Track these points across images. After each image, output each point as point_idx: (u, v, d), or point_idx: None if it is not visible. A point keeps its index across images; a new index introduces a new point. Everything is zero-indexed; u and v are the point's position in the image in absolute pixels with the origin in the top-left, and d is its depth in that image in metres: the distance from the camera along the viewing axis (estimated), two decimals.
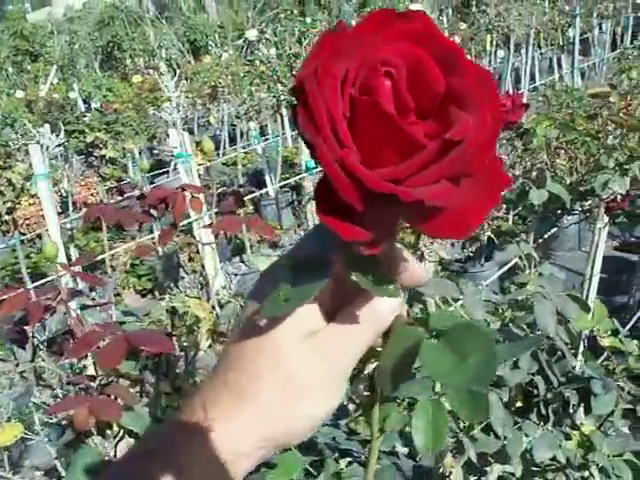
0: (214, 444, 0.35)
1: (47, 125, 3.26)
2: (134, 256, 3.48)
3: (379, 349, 0.38)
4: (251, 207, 4.22)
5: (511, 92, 1.37)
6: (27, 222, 4.07)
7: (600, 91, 1.49)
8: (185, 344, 1.16)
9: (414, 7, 4.95)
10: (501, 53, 6.89)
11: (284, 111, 4.86)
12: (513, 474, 1.13)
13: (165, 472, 0.34)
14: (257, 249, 3.75)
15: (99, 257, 2.07)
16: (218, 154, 5.43)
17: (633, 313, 2.24)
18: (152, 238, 3.22)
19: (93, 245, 4.11)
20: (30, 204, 3.91)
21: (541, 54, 7.63)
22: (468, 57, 0.33)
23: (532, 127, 1.34)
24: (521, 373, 1.08)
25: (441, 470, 1.08)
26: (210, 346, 1.14)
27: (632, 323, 1.99)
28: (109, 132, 5.28)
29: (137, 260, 3.72)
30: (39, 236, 3.98)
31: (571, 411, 1.24)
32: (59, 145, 3.10)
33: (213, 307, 1.23)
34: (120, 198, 4.27)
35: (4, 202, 3.32)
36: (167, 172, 5.26)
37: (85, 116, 5.70)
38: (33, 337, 1.04)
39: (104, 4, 13.68)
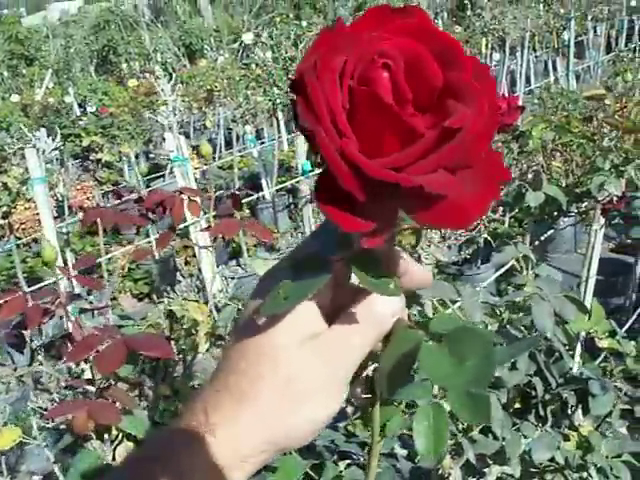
0: (215, 449, 0.34)
1: (43, 129, 3.25)
2: (131, 260, 3.48)
3: (379, 352, 0.38)
4: (247, 211, 4.22)
5: (507, 95, 1.37)
6: (23, 226, 4.06)
7: (595, 93, 1.50)
8: (183, 347, 1.15)
9: None
10: (496, 56, 6.89)
11: (280, 115, 4.86)
12: (512, 475, 1.13)
13: (166, 477, 0.34)
14: (254, 252, 3.75)
15: (97, 260, 2.06)
16: (214, 158, 5.42)
17: (630, 315, 2.25)
18: (148, 242, 3.21)
19: (89, 249, 4.11)
20: (26, 208, 3.90)
21: (536, 57, 7.64)
22: None
23: (528, 129, 1.34)
24: (519, 374, 1.08)
25: (440, 471, 1.08)
26: (208, 349, 1.14)
27: (629, 324, 1.99)
28: (105, 136, 5.27)
29: (133, 264, 3.71)
30: (35, 240, 3.97)
31: (569, 412, 1.24)
32: (55, 149, 3.09)
33: (210, 311, 1.23)
34: (117, 202, 4.26)
35: (0, 206, 3.31)
36: (163, 176, 5.25)
37: (81, 120, 5.69)
38: (31, 341, 1.04)
39: (99, 8, 13.68)
